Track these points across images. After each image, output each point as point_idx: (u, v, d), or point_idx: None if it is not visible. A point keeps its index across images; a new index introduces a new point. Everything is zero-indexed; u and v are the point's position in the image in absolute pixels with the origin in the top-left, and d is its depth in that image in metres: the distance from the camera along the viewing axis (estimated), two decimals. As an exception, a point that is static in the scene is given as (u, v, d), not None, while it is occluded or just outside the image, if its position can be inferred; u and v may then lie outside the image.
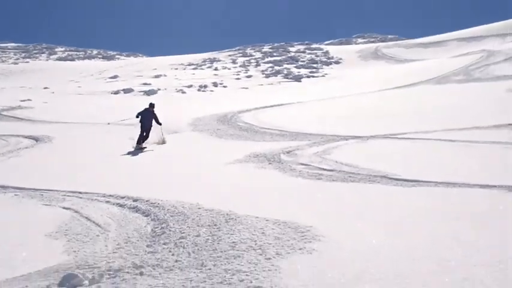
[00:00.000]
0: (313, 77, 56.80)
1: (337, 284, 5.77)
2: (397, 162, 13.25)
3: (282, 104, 31.85)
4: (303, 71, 60.81)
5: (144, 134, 19.28)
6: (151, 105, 20.18)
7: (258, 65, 68.70)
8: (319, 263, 6.40)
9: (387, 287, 5.63)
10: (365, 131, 18.68)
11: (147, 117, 19.59)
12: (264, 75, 58.98)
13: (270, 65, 67.49)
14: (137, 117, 19.77)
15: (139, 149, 18.59)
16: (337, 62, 69.10)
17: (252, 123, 23.66)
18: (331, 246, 6.96)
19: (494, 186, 10.14)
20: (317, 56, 74.81)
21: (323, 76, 57.23)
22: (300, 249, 6.90)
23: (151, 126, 19.55)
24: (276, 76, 58.17)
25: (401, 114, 23.25)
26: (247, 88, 49.33)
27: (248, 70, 64.11)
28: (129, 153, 17.91)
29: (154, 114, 19.82)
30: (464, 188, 10.21)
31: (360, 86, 40.88)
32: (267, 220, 8.26)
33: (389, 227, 7.80)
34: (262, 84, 52.04)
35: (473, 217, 8.16)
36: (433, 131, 17.85)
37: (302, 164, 13.69)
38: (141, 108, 20.30)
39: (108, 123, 17.86)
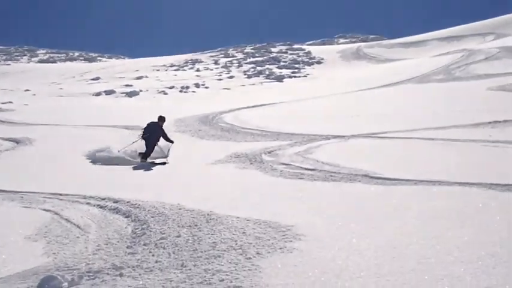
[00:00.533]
0: (295, 77, 56.99)
1: (317, 283, 5.77)
2: (377, 161, 13.30)
3: (263, 105, 31.86)
4: (285, 72, 60.98)
5: (149, 150, 16.40)
6: (161, 119, 17.00)
7: (240, 65, 68.75)
8: (300, 262, 6.40)
9: (367, 285, 5.65)
10: (346, 130, 18.74)
11: (154, 132, 16.50)
12: (246, 76, 59.06)
13: (252, 65, 67.57)
14: (143, 134, 16.62)
15: (149, 163, 16.06)
16: (319, 62, 69.35)
17: (234, 123, 23.63)
18: (311, 245, 6.96)
19: (474, 184, 10.21)
20: (299, 56, 75.02)
21: (305, 76, 57.46)
22: (281, 248, 6.90)
23: (156, 143, 16.59)
24: (258, 77, 58.26)
25: (382, 114, 23.38)
26: (229, 89, 49.31)
27: (230, 71, 64.14)
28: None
29: (162, 130, 16.74)
30: (444, 186, 10.27)
31: (342, 86, 41.06)
32: (247, 220, 8.25)
33: (370, 225, 7.82)
34: (244, 85, 52.05)
35: (453, 215, 8.21)
36: (414, 129, 17.96)
37: (283, 164, 13.70)
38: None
39: (118, 151, 16.91)
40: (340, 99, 32.81)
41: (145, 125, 16.93)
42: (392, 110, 24.69)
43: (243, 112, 28.40)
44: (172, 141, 16.78)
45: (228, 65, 69.94)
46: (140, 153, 16.47)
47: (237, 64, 69.98)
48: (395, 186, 10.59)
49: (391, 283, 5.65)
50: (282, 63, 68.58)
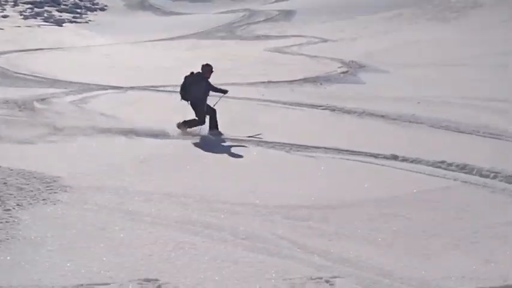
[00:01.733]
0: (76, 22, 54.69)
1: (81, 235, 5.69)
2: (151, 113, 13.43)
3: (40, 49, 30.05)
4: (66, 16, 58.05)
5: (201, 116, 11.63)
6: (206, 69, 11.95)
7: (15, 4, 63.79)
8: (63, 214, 6.25)
9: (126, 236, 5.71)
10: (125, 81, 18.44)
11: (194, 89, 11.63)
12: (23, 17, 55.10)
13: (29, 6, 63.07)
14: (181, 92, 11.90)
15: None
16: (102, 9, 67.13)
17: (5, 67, 21.93)
18: (77, 198, 6.83)
19: (244, 140, 10.83)
20: (81, 0, 71.75)
21: (86, 22, 55.43)
22: (44, 199, 6.66)
23: (202, 105, 11.61)
24: (36, 18, 54.66)
25: (162, 67, 23.41)
26: (2, 29, 45.62)
27: (4, 10, 59.28)
28: None
29: (208, 84, 11.81)
30: (216, 142, 10.72)
31: (125, 36, 40.29)
32: (11, 170, 7.83)
33: (142, 177, 7.91)
34: (19, 26, 48.55)
35: (222, 171, 8.64)
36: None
37: (57, 113, 13.13)
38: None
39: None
40: (122, 50, 32.15)
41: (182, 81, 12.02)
42: (173, 63, 24.81)
43: (16, 55, 26.46)
44: (225, 91, 12.23)
45: (3, 3, 64.50)
46: (184, 122, 11.66)
47: (13, 3, 64.82)
48: (164, 140, 10.77)
49: (157, 229, 5.79)
50: (62, 7, 65.02)
